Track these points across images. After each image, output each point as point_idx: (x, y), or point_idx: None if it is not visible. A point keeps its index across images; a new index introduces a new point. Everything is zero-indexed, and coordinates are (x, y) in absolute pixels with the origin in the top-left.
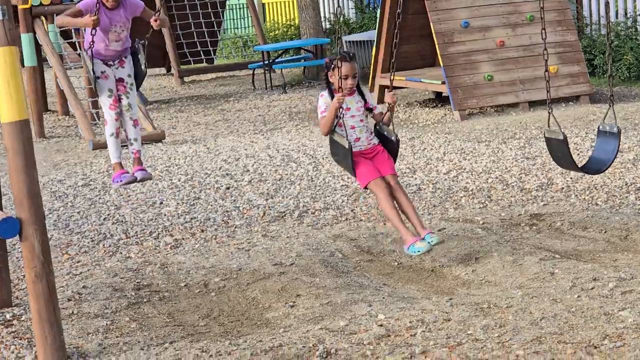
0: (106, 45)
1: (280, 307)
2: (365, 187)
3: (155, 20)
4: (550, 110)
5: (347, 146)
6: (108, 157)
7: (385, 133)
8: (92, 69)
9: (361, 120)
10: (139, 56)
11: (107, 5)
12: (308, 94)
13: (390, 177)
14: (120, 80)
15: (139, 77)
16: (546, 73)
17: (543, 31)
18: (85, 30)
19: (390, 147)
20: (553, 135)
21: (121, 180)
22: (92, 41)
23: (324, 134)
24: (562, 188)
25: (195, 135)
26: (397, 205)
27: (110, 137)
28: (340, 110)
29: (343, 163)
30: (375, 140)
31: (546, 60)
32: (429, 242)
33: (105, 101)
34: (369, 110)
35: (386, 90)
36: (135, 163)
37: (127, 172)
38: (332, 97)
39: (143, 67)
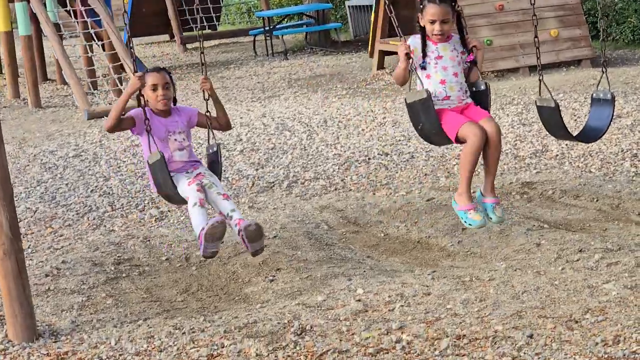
0: (170, 156)
1: (259, 281)
2: (457, 141)
3: (205, 82)
4: (541, 77)
5: (425, 95)
6: (102, 127)
7: (474, 88)
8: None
9: (454, 74)
10: (219, 159)
11: (156, 111)
12: (309, 60)
13: (485, 120)
14: (198, 175)
15: (217, 173)
16: (536, 39)
17: None
18: (144, 143)
19: (480, 98)
20: (545, 104)
21: (203, 229)
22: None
23: (400, 85)
24: (557, 155)
25: (192, 104)
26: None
27: (194, 208)
28: (425, 58)
29: (427, 125)
30: (469, 100)
31: (535, 26)
32: (484, 218)
33: (184, 183)
34: (471, 63)
35: (471, 41)
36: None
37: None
38: (424, 42)
39: (221, 167)
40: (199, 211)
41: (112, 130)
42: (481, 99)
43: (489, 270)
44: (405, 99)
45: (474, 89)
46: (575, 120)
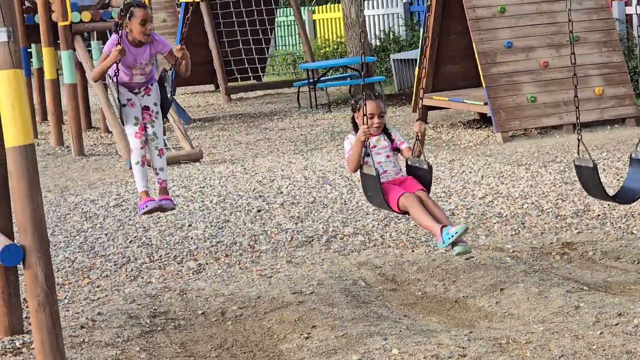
0: (130, 77)
1: (295, 338)
2: (399, 209)
3: (180, 50)
4: (579, 137)
5: (374, 173)
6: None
7: (417, 164)
8: (118, 97)
9: (387, 156)
10: (165, 84)
11: (131, 42)
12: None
13: (419, 191)
14: (146, 109)
15: (165, 105)
16: (575, 98)
17: (572, 55)
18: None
19: (424, 176)
20: (583, 163)
21: (146, 206)
22: (117, 69)
23: (352, 170)
24: (598, 215)
25: (234, 155)
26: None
27: (136, 166)
28: (365, 149)
29: (374, 196)
30: (404, 173)
31: (575, 86)
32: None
33: (130, 130)
34: (397, 150)
35: (415, 121)
36: (161, 192)
37: (153, 200)
38: None
39: (169, 95)
40: (142, 170)
41: (97, 80)
42: (423, 176)
43: (526, 333)
44: (360, 169)
45: (417, 165)
46: (618, 179)
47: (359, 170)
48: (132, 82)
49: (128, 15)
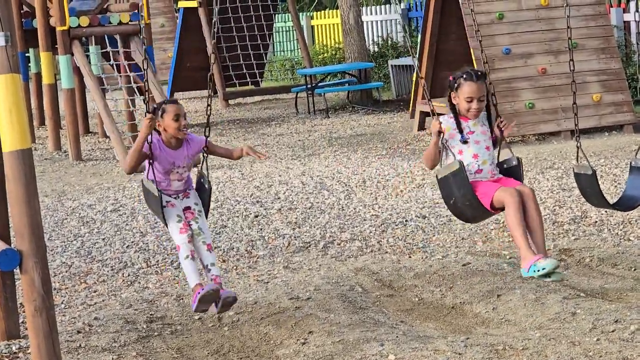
0: (167, 184)
1: (291, 343)
2: (492, 207)
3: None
4: (578, 144)
5: (457, 166)
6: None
7: (505, 165)
8: (160, 199)
9: (487, 148)
10: (202, 180)
11: (167, 143)
12: (350, 119)
13: (520, 186)
14: (187, 209)
15: (205, 206)
16: (574, 105)
17: (571, 62)
18: (147, 167)
19: (514, 173)
20: (582, 171)
21: (199, 292)
22: (152, 169)
23: (430, 168)
24: (596, 222)
25: (232, 160)
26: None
27: (185, 260)
28: (462, 134)
29: (460, 196)
30: (499, 175)
31: (574, 92)
32: (555, 260)
33: (174, 227)
34: (494, 143)
35: (496, 120)
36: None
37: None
38: (457, 122)
39: (207, 185)
40: (192, 265)
41: (132, 172)
42: (514, 174)
43: (522, 339)
44: (436, 175)
45: (505, 165)
46: (616, 186)
47: (437, 175)
48: (169, 189)
49: (160, 113)
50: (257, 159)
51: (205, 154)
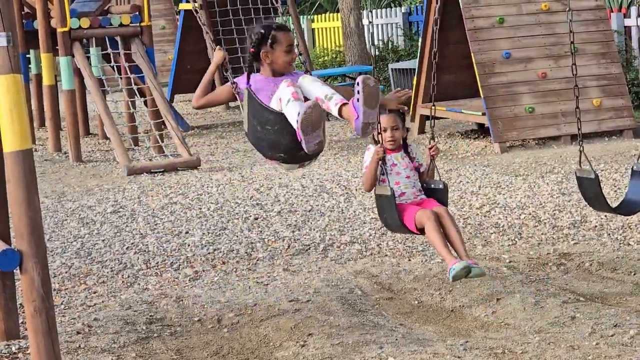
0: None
1: (291, 346)
2: (416, 228)
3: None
4: (581, 148)
5: (389, 192)
6: (141, 183)
7: (433, 185)
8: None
9: (407, 177)
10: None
11: (268, 73)
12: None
13: (437, 208)
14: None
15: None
16: (577, 110)
17: (573, 66)
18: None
19: (440, 197)
20: (584, 174)
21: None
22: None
23: (366, 190)
24: (595, 226)
25: (232, 163)
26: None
27: (288, 104)
28: (384, 166)
29: (390, 218)
30: (423, 196)
31: (577, 97)
32: (465, 265)
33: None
34: (418, 170)
35: (427, 145)
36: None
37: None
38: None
39: None
40: (293, 105)
41: (201, 107)
42: (439, 196)
43: (522, 343)
44: (373, 190)
45: (432, 186)
46: (616, 191)
47: (375, 191)
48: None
49: (270, 41)
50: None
51: None
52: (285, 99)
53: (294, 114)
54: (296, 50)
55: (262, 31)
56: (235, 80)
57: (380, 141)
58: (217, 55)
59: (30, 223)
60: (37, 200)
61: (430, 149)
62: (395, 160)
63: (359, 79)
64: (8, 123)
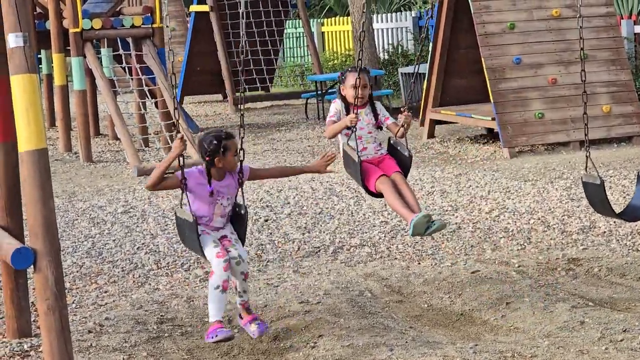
0: (210, 219)
1: (301, 347)
2: (375, 191)
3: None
4: (588, 154)
5: (356, 159)
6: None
7: (399, 148)
8: (195, 228)
9: (369, 132)
10: (245, 220)
11: (215, 176)
12: None
13: (394, 174)
14: (223, 237)
15: (241, 233)
16: (585, 115)
17: (582, 72)
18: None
19: (403, 161)
20: (590, 180)
21: (216, 335)
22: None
23: (328, 138)
24: (604, 232)
25: None
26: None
27: (215, 290)
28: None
29: (353, 175)
30: (383, 151)
31: (585, 103)
32: (425, 215)
33: (211, 252)
34: (379, 127)
35: (401, 109)
36: (246, 313)
37: (224, 329)
38: (347, 108)
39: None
40: (220, 297)
41: (152, 189)
42: (402, 160)
43: (531, 347)
44: (342, 148)
45: (398, 147)
46: (624, 197)
47: (340, 146)
48: (209, 225)
49: (221, 151)
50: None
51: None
52: (215, 283)
53: (216, 309)
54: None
55: (215, 142)
56: (186, 176)
57: (356, 106)
58: (175, 146)
59: (45, 222)
60: (52, 199)
61: (402, 112)
62: (360, 116)
63: (253, 331)
64: (24, 123)
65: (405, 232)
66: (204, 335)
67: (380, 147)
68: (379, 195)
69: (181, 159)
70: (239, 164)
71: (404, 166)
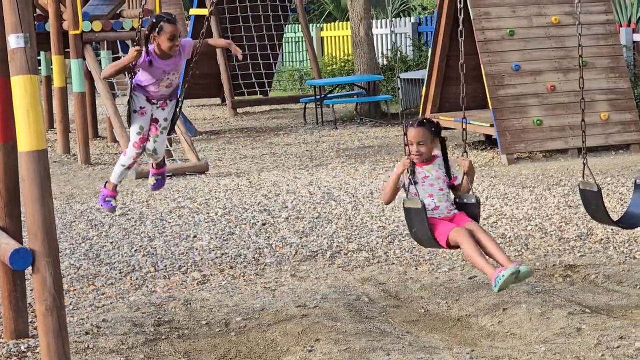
0: (156, 88)
1: (298, 351)
2: (448, 245)
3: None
4: (585, 161)
5: (419, 205)
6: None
7: (465, 200)
8: (129, 99)
9: (440, 189)
10: (179, 99)
11: (159, 55)
12: (358, 130)
13: (469, 223)
14: (155, 121)
15: (174, 120)
16: (582, 123)
17: (581, 79)
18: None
19: (471, 211)
20: (587, 187)
21: (104, 203)
22: (134, 72)
23: (385, 202)
24: (601, 239)
25: (240, 168)
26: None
27: (121, 167)
28: (412, 178)
29: (420, 231)
30: (455, 210)
31: (583, 110)
32: (512, 272)
33: (133, 136)
34: (452, 187)
35: (461, 155)
36: (154, 167)
37: (115, 197)
38: (412, 164)
39: (179, 110)
40: (122, 172)
41: (107, 77)
42: (471, 210)
43: (527, 353)
44: (403, 203)
45: (465, 200)
46: (622, 204)
47: (403, 204)
48: (156, 93)
49: (157, 29)
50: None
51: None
52: (124, 161)
53: (114, 177)
54: (177, 41)
55: (154, 20)
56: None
57: (408, 154)
58: (131, 54)
59: (44, 222)
60: (51, 200)
61: (462, 162)
62: (427, 172)
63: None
64: (24, 123)
65: (403, 237)
66: (200, 337)
67: (452, 207)
68: (455, 247)
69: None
70: (177, 48)
71: (475, 217)
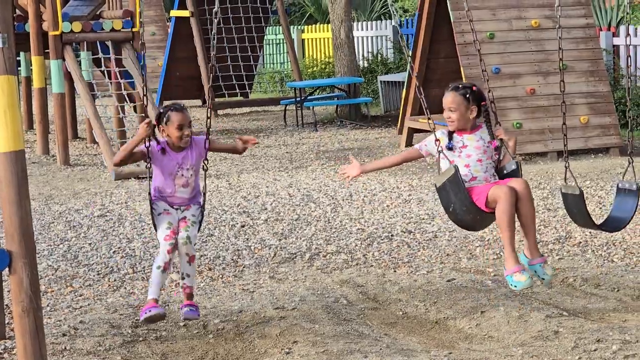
0: (172, 190)
1: (275, 353)
2: (487, 207)
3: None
4: (567, 164)
5: (452, 171)
6: (128, 188)
7: (505, 170)
8: (151, 210)
9: (479, 160)
10: (202, 204)
11: (171, 147)
12: (339, 133)
13: (513, 180)
14: (182, 219)
15: (201, 220)
16: (563, 126)
17: (561, 83)
18: (152, 176)
19: (512, 176)
20: (569, 191)
21: (149, 311)
22: (151, 171)
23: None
24: (580, 242)
25: (219, 170)
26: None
27: (157, 270)
28: (446, 147)
29: (458, 202)
30: (495, 179)
31: (564, 113)
32: (530, 278)
33: (162, 233)
34: (497, 149)
35: (496, 126)
36: (187, 298)
37: (157, 306)
38: (449, 135)
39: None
40: (160, 277)
41: (120, 165)
42: (514, 175)
43: (505, 356)
44: (434, 184)
45: (504, 171)
46: (601, 208)
47: (435, 184)
48: (174, 196)
49: (165, 120)
50: (252, 145)
51: (205, 167)
52: (157, 263)
53: (154, 288)
54: (186, 130)
55: (162, 111)
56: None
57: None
58: (141, 127)
59: (21, 224)
60: (28, 202)
61: (498, 132)
62: (467, 142)
63: (183, 313)
64: (2, 124)
65: (382, 239)
66: (178, 339)
67: (493, 177)
68: (493, 209)
69: (147, 142)
70: (187, 139)
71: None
